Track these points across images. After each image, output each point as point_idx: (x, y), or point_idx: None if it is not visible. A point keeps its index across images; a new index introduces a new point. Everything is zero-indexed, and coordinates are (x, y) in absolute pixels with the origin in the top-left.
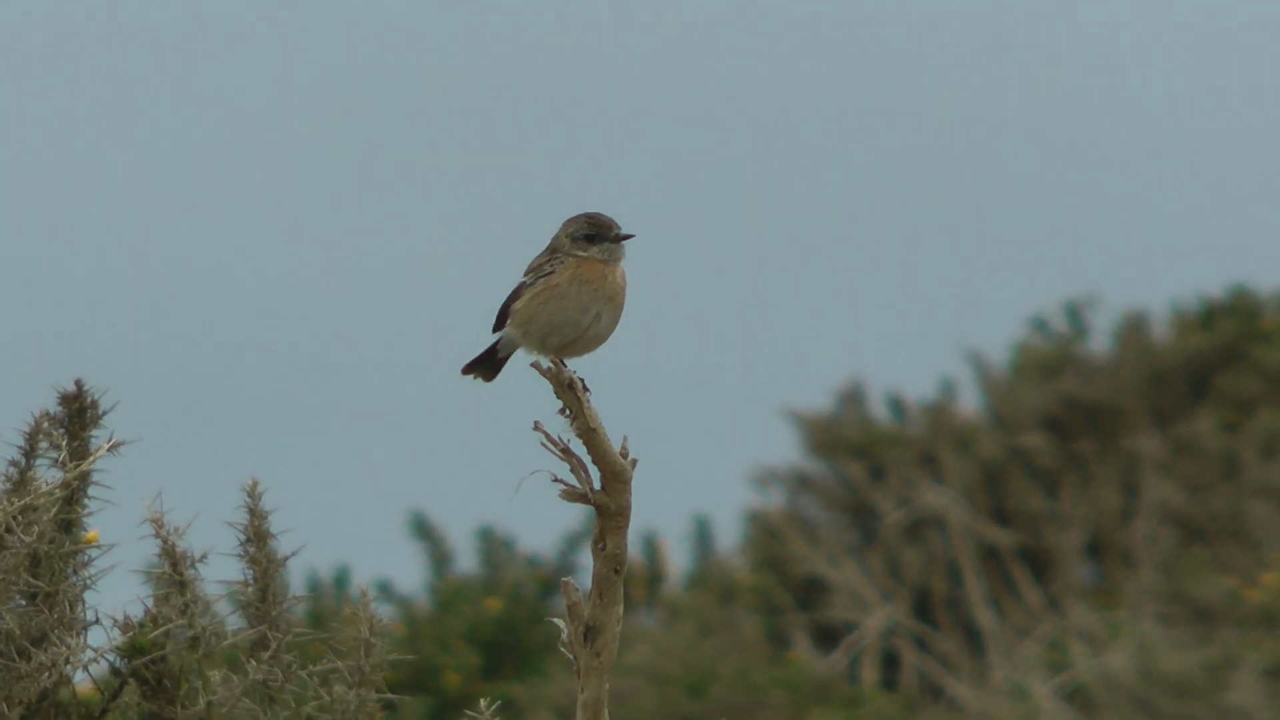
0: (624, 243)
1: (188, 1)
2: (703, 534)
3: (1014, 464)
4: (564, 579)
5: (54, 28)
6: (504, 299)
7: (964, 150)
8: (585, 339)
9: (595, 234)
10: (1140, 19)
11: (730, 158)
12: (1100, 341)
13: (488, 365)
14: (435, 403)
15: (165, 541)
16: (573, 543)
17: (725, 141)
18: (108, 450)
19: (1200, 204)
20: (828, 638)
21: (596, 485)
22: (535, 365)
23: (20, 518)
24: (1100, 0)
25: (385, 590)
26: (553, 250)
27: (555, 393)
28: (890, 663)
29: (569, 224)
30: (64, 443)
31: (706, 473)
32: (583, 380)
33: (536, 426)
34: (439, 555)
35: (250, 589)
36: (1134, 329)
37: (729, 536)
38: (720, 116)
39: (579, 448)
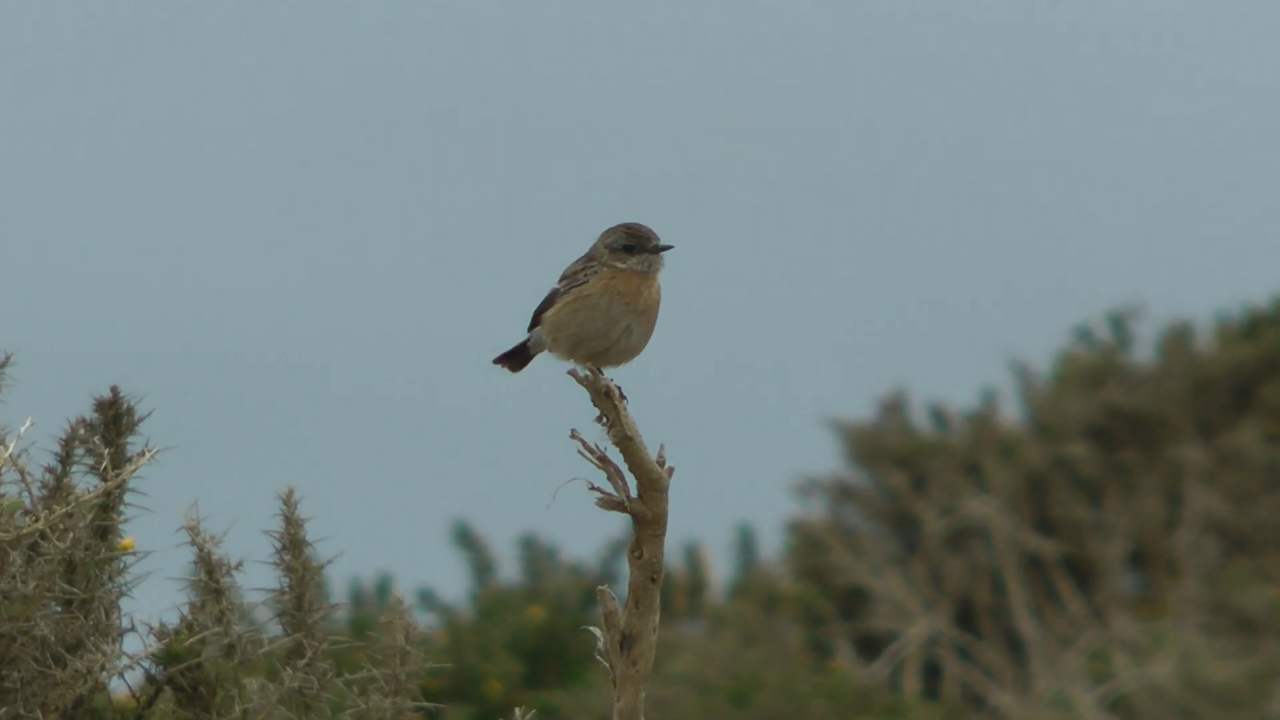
0: (662, 254)
1: (191, 9)
2: (745, 543)
3: (1057, 473)
4: (600, 587)
5: (53, 41)
6: (538, 303)
7: (1008, 159)
8: (615, 351)
9: (634, 245)
10: (1187, 27)
11: (772, 165)
12: (1144, 351)
13: (517, 359)
14: (478, 412)
15: (201, 549)
16: (615, 551)
17: (766, 148)
18: (148, 458)
19: (1244, 213)
20: (870, 647)
21: (633, 493)
22: (572, 373)
23: (57, 524)
24: (1145, 8)
25: (428, 598)
26: (589, 259)
27: (592, 400)
28: (932, 672)
29: (607, 234)
30: (102, 450)
31: (748, 482)
32: (619, 388)
33: (573, 434)
34: (481, 564)
35: (286, 597)
36: (1178, 339)
37: (771, 546)
38: (760, 122)
39: (616, 455)
